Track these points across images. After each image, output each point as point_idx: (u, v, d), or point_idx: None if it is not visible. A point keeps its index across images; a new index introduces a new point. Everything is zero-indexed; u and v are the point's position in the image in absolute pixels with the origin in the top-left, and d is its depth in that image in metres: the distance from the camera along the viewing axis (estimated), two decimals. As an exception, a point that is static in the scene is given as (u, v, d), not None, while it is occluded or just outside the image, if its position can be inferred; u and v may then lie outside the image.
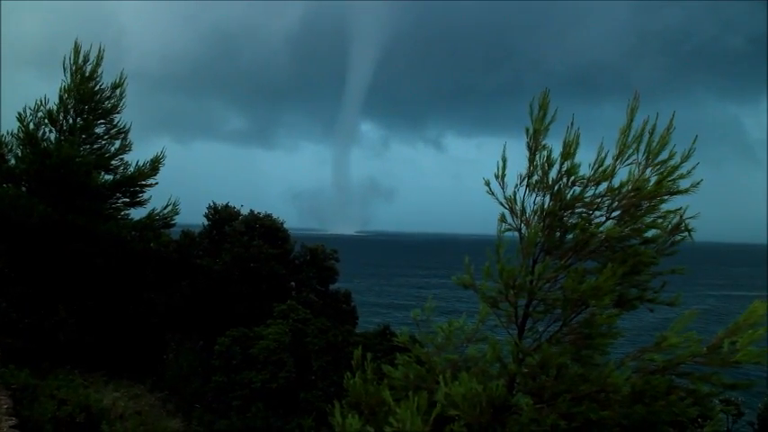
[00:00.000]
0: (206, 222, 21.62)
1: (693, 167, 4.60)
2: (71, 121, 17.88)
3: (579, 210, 5.56)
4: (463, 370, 5.69)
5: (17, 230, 15.91)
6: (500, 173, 5.69)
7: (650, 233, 4.96)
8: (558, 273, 5.43)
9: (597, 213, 5.41)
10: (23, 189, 17.04)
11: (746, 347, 4.06)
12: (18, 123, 16.82)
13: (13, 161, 17.22)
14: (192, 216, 21.93)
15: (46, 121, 17.53)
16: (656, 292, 5.16)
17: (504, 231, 5.70)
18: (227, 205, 21.70)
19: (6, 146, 16.99)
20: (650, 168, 4.82)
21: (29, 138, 16.84)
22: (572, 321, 5.21)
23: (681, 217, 4.92)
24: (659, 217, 4.86)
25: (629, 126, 5.17)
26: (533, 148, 5.70)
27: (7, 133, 16.93)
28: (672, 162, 4.68)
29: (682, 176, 4.66)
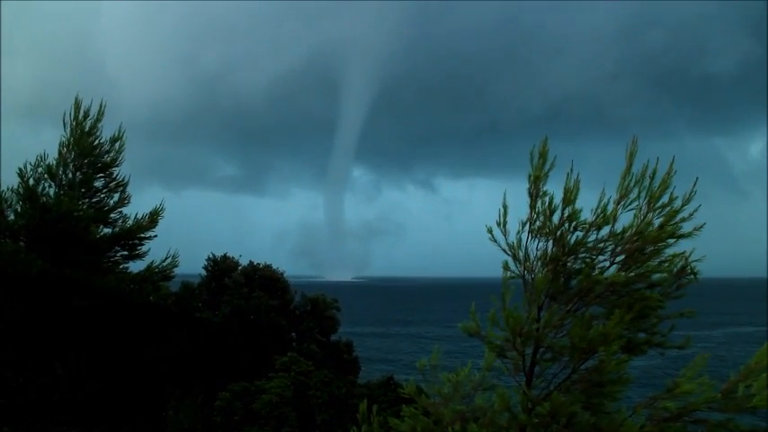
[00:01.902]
0: (204, 273, 21.54)
1: (695, 210, 4.64)
2: (70, 175, 18.02)
3: (582, 255, 5.57)
4: (472, 421, 5.58)
5: (15, 285, 15.82)
6: (501, 220, 5.72)
7: (655, 277, 4.95)
8: (565, 319, 5.40)
9: (601, 258, 5.42)
10: (22, 244, 17.03)
11: (763, 391, 4.00)
12: (18, 179, 16.94)
13: (12, 216, 17.26)
14: (185, 264, 21.78)
15: (46, 176, 17.66)
16: (664, 336, 5.12)
17: (509, 279, 5.69)
18: (225, 256, 21.68)
19: (6, 201, 17.07)
20: (652, 213, 4.85)
21: (29, 193, 16.94)
22: (581, 368, 5.15)
23: (686, 260, 4.92)
24: (664, 261, 4.86)
25: (628, 170, 5.24)
26: (534, 194, 5.75)
27: (7, 189, 17.04)
28: (673, 206, 4.72)
29: (684, 220, 4.69)
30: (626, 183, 5.17)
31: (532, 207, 5.71)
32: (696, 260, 4.94)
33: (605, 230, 5.30)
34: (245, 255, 21.96)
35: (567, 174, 5.52)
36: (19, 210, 17.06)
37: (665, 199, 4.77)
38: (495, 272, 6.19)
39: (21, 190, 16.95)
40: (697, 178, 4.63)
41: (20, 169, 16.85)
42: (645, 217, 4.89)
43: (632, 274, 5.01)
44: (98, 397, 15.81)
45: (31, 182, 17.09)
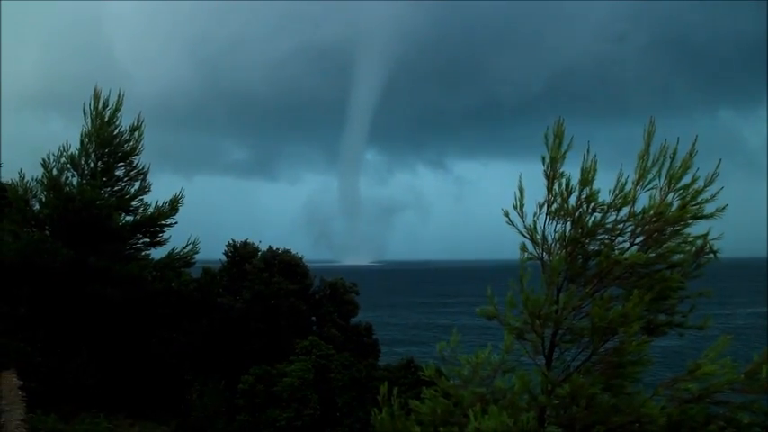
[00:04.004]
0: (224, 259, 21.76)
1: (718, 191, 4.58)
2: (92, 165, 18.22)
3: (601, 236, 5.53)
4: (492, 403, 5.60)
5: (41, 274, 16.13)
6: (518, 203, 5.69)
7: (676, 257, 4.91)
8: (584, 301, 5.38)
9: (620, 239, 5.38)
10: (47, 233, 17.32)
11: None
12: (42, 169, 17.17)
13: (37, 206, 17.54)
14: (201, 250, 21.89)
15: (69, 166, 17.88)
16: (684, 317, 5.09)
17: (526, 261, 5.67)
18: (245, 242, 21.86)
19: (31, 192, 17.34)
20: (673, 193, 4.79)
21: (52, 183, 17.18)
22: (600, 350, 5.14)
23: (705, 240, 4.87)
24: (684, 242, 4.81)
25: (646, 151, 5.17)
26: (551, 176, 5.70)
27: (32, 179, 17.29)
28: (695, 186, 4.65)
29: (706, 201, 4.63)
30: (644, 163, 5.11)
31: (549, 189, 5.67)
32: (715, 238, 4.89)
33: (624, 211, 5.26)
34: (259, 237, 22.12)
35: (584, 154, 5.48)
36: (43, 199, 17.33)
37: (687, 179, 4.70)
38: (512, 254, 6.18)
39: (45, 180, 17.20)
40: (720, 160, 4.56)
41: (43, 160, 17.09)
42: (665, 197, 4.84)
43: (652, 254, 4.98)
44: (122, 381, 16.14)
45: (55, 172, 17.32)
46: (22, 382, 11.72)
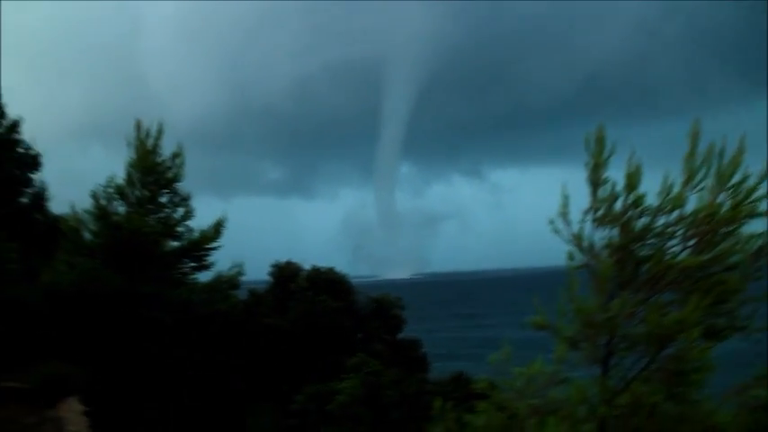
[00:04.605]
0: (268, 279, 22.04)
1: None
2: (138, 193, 18.76)
3: (651, 241, 5.42)
4: (548, 415, 5.51)
5: (95, 301, 16.62)
6: (563, 211, 5.63)
7: (732, 259, 4.77)
8: (637, 307, 5.26)
9: (671, 243, 5.25)
10: (99, 262, 17.87)
11: None
12: (92, 200, 17.77)
13: (88, 236, 18.14)
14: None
15: (116, 195, 18.45)
16: (747, 320, 4.92)
17: (574, 269, 5.59)
18: (289, 262, 22.11)
19: (82, 222, 17.95)
20: (724, 193, 4.67)
21: (101, 213, 17.75)
22: (659, 357, 5.00)
23: (763, 239, 4.72)
24: (739, 242, 4.68)
25: (693, 151, 5.06)
26: (595, 182, 5.63)
27: (82, 210, 17.90)
28: (747, 184, 4.53)
29: (760, 198, 4.50)
30: (691, 164, 5.00)
31: (594, 195, 5.59)
32: (774, 238, 4.73)
33: (674, 214, 5.14)
34: (299, 258, 22.35)
35: (628, 158, 5.39)
36: (94, 229, 17.92)
37: (738, 177, 4.58)
38: (556, 260, 6.08)
39: (95, 211, 17.80)
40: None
41: (92, 192, 17.72)
42: (716, 198, 4.72)
43: (706, 257, 4.84)
44: (178, 405, 16.43)
45: (103, 202, 17.91)
46: (86, 408, 12.05)
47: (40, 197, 20.86)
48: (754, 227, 4.70)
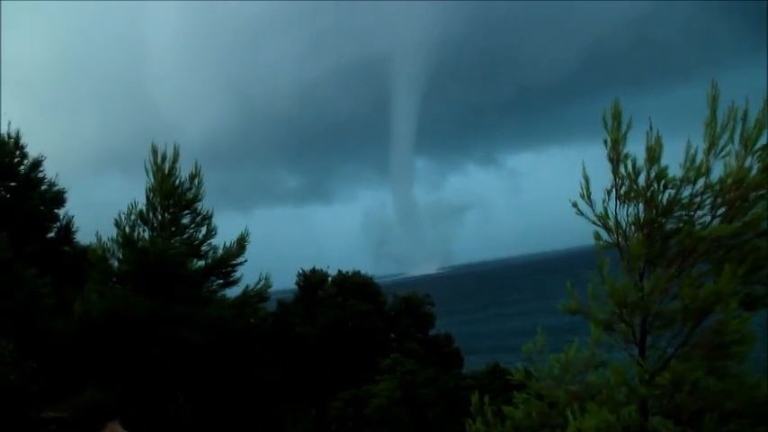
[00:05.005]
0: (296, 289, 22.15)
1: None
2: (160, 217, 18.99)
3: (678, 213, 5.29)
4: (588, 400, 5.42)
5: (128, 326, 16.87)
6: (585, 192, 5.52)
7: (765, 224, 4.62)
8: (670, 282, 5.14)
9: (699, 213, 5.12)
10: (128, 288, 18.12)
11: None
12: (116, 228, 18.02)
13: (115, 263, 18.40)
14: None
15: (138, 221, 18.70)
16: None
17: (602, 248, 5.49)
18: (314, 269, 22.19)
19: (108, 250, 18.21)
20: (751, 156, 4.52)
21: (127, 240, 17.99)
22: (697, 332, 4.88)
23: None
24: (771, 206, 4.53)
25: (713, 116, 4.92)
26: (615, 158, 5.51)
27: (108, 239, 18.17)
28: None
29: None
30: (713, 130, 4.86)
31: (615, 172, 5.47)
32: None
33: (699, 183, 5.01)
34: (323, 262, 22.48)
35: (647, 131, 5.27)
36: (121, 257, 18.17)
37: (764, 140, 4.43)
38: (581, 240, 5.96)
39: (119, 238, 18.06)
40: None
41: (116, 219, 17.99)
42: (743, 163, 4.57)
43: (738, 224, 4.70)
44: (218, 421, 16.58)
45: (127, 229, 18.15)
46: (127, 431, 12.24)
47: (66, 230, 21.29)
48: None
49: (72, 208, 21.29)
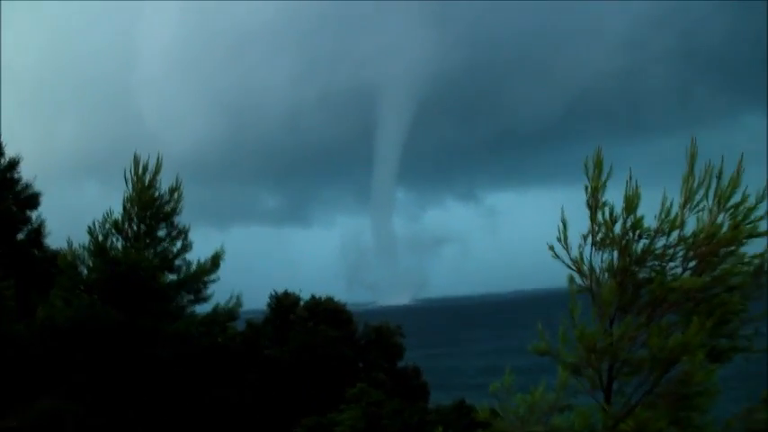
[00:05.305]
0: (266, 310, 21.93)
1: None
2: (135, 228, 18.73)
3: (651, 263, 5.39)
4: (552, 443, 5.43)
5: (93, 337, 16.48)
6: (563, 235, 5.62)
7: (733, 279, 4.74)
8: (639, 331, 5.21)
9: (671, 265, 5.23)
10: (96, 297, 17.76)
11: None
12: (89, 236, 17.72)
13: (85, 272, 18.06)
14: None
15: (113, 230, 18.42)
16: (749, 341, 4.88)
17: (576, 292, 5.56)
18: (286, 292, 22.02)
19: (79, 258, 17.88)
20: (723, 213, 4.66)
21: (99, 249, 17.69)
22: (663, 381, 4.94)
23: (763, 258, 4.71)
24: (740, 262, 4.66)
25: (690, 172, 5.07)
26: (594, 205, 5.63)
27: (79, 246, 17.84)
28: (746, 204, 4.53)
29: (760, 218, 4.49)
30: (689, 185, 5.01)
31: (593, 219, 5.58)
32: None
33: (673, 236, 5.13)
34: (297, 286, 22.26)
35: (627, 181, 5.40)
36: (91, 265, 17.84)
37: (737, 198, 4.58)
38: (555, 282, 6.04)
39: (91, 246, 17.75)
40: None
41: (89, 227, 17.69)
42: (715, 218, 4.71)
43: (707, 278, 4.82)
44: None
45: (100, 238, 17.86)
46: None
47: (37, 234, 20.88)
48: (753, 248, 4.69)
49: (45, 211, 20.93)
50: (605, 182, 5.37)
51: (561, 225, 5.43)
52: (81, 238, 18.00)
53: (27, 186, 20.51)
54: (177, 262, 19.15)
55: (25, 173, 20.65)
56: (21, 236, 20.78)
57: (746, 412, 4.33)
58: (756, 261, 4.62)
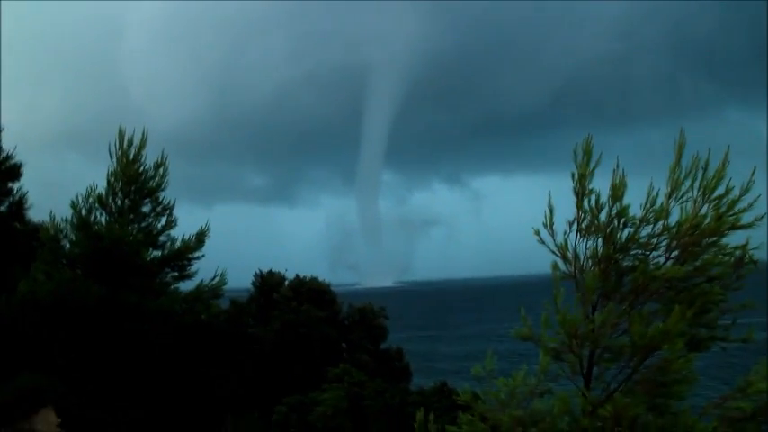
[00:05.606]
0: (251, 289, 21.91)
1: (755, 200, 4.49)
2: (119, 203, 18.55)
3: (635, 251, 5.44)
4: (531, 426, 5.50)
5: (74, 312, 16.38)
6: (548, 221, 5.64)
7: (714, 270, 4.81)
8: (621, 318, 5.27)
9: (655, 254, 5.28)
10: (78, 272, 17.62)
11: None
12: (72, 210, 17.52)
13: (67, 246, 17.88)
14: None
15: (96, 205, 18.23)
16: (726, 330, 4.96)
17: (559, 279, 5.60)
18: (271, 271, 22.00)
19: (61, 232, 17.69)
20: (708, 204, 4.71)
21: (82, 223, 17.51)
22: (642, 368, 5.01)
23: (744, 250, 4.77)
24: (722, 253, 4.72)
25: (677, 163, 5.10)
26: (580, 192, 5.65)
27: (62, 219, 17.65)
28: (731, 196, 4.57)
29: (743, 210, 4.54)
30: (676, 175, 5.04)
31: (579, 206, 5.61)
32: (755, 248, 4.78)
33: (658, 225, 5.17)
34: (281, 265, 22.28)
35: (614, 170, 5.42)
36: (74, 239, 17.66)
37: (721, 190, 4.62)
38: (539, 268, 6.08)
39: (74, 220, 17.55)
40: (755, 168, 4.49)
41: (72, 201, 17.47)
42: (699, 209, 4.75)
43: (689, 267, 4.87)
44: (157, 417, 16.19)
45: (84, 212, 17.66)
46: (60, 420, 11.87)
47: (19, 206, 20.59)
48: (735, 239, 4.75)
49: (27, 184, 20.61)
50: (593, 169, 5.39)
51: (548, 211, 5.44)
52: (63, 212, 17.80)
53: (8, 157, 20.14)
54: (161, 238, 19.03)
55: (6, 143, 20.26)
56: (2, 208, 20.48)
57: (721, 400, 4.41)
58: (737, 252, 4.68)
